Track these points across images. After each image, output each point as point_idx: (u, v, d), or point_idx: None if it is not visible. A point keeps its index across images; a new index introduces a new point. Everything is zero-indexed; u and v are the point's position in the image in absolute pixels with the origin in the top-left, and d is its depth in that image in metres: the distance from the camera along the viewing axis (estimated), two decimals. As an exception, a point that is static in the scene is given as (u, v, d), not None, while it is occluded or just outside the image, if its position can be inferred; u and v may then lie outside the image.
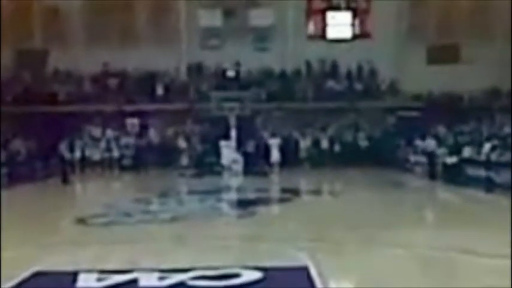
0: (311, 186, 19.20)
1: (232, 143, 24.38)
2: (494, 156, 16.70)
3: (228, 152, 23.80)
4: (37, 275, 7.18)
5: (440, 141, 21.36)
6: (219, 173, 22.60)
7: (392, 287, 6.56)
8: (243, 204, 14.59)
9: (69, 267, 7.47)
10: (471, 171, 17.51)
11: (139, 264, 7.54)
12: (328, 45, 26.64)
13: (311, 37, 25.96)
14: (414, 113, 26.45)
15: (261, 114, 27.45)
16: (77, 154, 25.03)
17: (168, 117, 27.59)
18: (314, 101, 27.78)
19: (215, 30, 28.55)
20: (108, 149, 25.99)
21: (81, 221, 11.71)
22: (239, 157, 23.69)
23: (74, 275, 7.00)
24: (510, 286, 6.04)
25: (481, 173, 16.69)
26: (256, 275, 6.94)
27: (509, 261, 6.99)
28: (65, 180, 20.27)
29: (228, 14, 28.34)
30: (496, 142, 17.59)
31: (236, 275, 6.91)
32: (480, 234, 9.48)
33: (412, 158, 22.42)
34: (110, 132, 26.79)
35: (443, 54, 28.36)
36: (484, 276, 6.96)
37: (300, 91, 28.44)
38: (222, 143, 24.10)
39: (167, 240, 9.74)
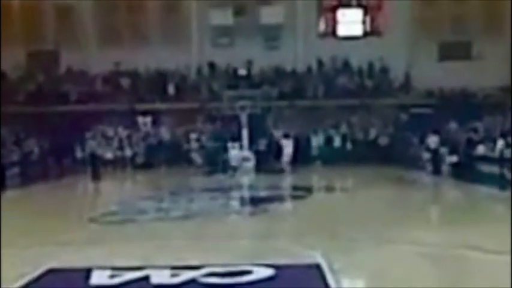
0: (323, 183, 19.17)
1: (244, 141, 24.34)
2: (507, 153, 16.57)
3: (236, 153, 23.70)
4: (50, 272, 7.23)
5: (452, 138, 21.26)
6: (231, 171, 22.59)
7: (404, 285, 6.54)
8: (255, 201, 14.59)
9: (82, 265, 7.51)
10: (484, 168, 17.40)
11: (152, 261, 7.56)
12: (339, 42, 26.60)
13: (322, 35, 25.93)
14: (427, 110, 26.30)
15: (273, 112, 27.41)
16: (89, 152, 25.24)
17: (180, 116, 27.64)
18: (326, 98, 27.73)
19: (226, 28, 28.59)
20: (121, 148, 26.11)
21: (94, 219, 11.77)
22: (250, 155, 23.67)
23: (87, 272, 7.04)
24: (510, 275, 5.99)
25: (495, 170, 16.57)
26: (268, 272, 6.93)
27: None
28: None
29: (238, 12, 28.35)
30: (509, 139, 17.45)
31: (248, 272, 6.92)
32: (492, 232, 9.42)
33: (425, 155, 22.27)
34: (122, 131, 26.90)
35: (455, 51, 28.23)
36: (494, 274, 6.93)
37: (311, 89, 28.39)
38: (230, 144, 24.00)
39: (179, 238, 9.77)
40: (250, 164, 23.18)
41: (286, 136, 25.28)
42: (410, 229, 10.01)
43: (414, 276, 7.00)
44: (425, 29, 28.58)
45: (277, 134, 26.33)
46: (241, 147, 24.01)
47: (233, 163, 23.19)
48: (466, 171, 18.32)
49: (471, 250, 8.05)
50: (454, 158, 18.97)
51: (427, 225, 10.70)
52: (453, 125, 23.78)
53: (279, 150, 24.89)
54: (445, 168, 20.07)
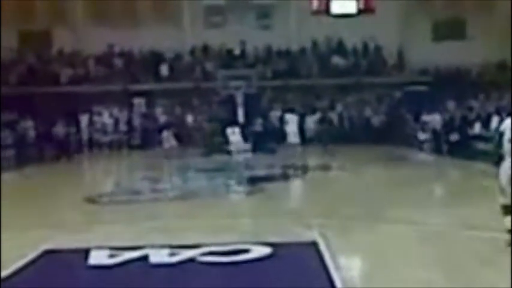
0: (319, 162, 19.14)
1: (240, 121, 24.05)
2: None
3: (236, 138, 23.18)
4: (47, 253, 7.24)
5: (448, 116, 21.28)
6: (227, 152, 22.51)
7: (401, 263, 6.59)
8: (251, 181, 14.59)
9: (79, 245, 7.52)
10: (479, 145, 17.43)
11: (150, 241, 7.58)
12: (333, 21, 26.45)
13: (315, 13, 25.76)
14: (421, 88, 26.26)
15: (268, 92, 27.34)
16: (85, 134, 25.19)
17: (175, 96, 27.53)
18: (320, 77, 27.64)
19: (218, 8, 28.40)
20: (115, 129, 26.00)
21: (91, 199, 11.77)
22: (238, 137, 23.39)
23: (85, 253, 7.05)
24: (510, 269, 6.06)
25: (490, 147, 16.58)
26: (266, 250, 6.98)
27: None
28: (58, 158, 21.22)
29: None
30: (504, 116, 17.46)
31: (245, 251, 6.95)
32: (491, 211, 9.45)
33: (420, 133, 22.31)
34: (116, 112, 26.76)
35: (449, 31, 28.15)
36: (487, 251, 6.99)
37: (305, 68, 28.30)
38: (229, 130, 23.58)
39: (177, 218, 9.79)
40: (247, 145, 22.98)
41: (290, 111, 23.47)
42: (407, 208, 10.05)
43: (411, 255, 7.05)
44: (420, 5, 28.42)
45: (273, 113, 26.20)
46: (243, 131, 23.39)
47: (232, 148, 22.82)
48: (462, 149, 18.36)
49: (469, 229, 8.07)
50: (455, 137, 18.97)
51: (424, 204, 10.72)
52: (448, 103, 23.73)
53: (275, 130, 24.64)
54: (439, 146, 20.17)
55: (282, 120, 23.97)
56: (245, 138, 22.71)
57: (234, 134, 22.83)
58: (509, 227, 6.95)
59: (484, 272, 6.23)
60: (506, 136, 7.22)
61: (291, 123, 21.93)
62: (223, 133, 23.40)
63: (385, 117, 26.71)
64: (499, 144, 7.27)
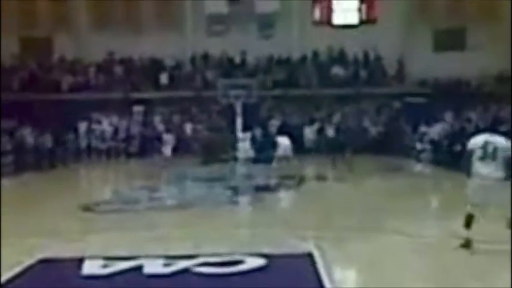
0: (317, 173, 19.15)
1: (239, 131, 24.07)
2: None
3: (245, 145, 23.08)
4: (42, 262, 7.23)
5: (447, 128, 21.31)
6: (226, 161, 22.52)
7: (396, 275, 6.58)
8: (249, 191, 14.58)
9: (75, 254, 7.50)
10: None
11: (145, 251, 7.56)
12: (334, 31, 26.51)
13: (317, 23, 25.82)
14: (421, 99, 26.26)
15: (267, 101, 27.33)
16: (83, 142, 25.20)
17: (174, 104, 27.56)
18: (320, 87, 27.64)
19: (220, 17, 28.42)
20: (114, 137, 26.01)
21: (87, 208, 11.75)
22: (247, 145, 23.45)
23: (79, 262, 7.04)
24: (510, 274, 6.06)
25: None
26: (260, 261, 6.97)
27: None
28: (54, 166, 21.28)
29: (233, 0, 28.17)
30: (503, 128, 17.46)
31: (240, 262, 6.94)
32: (488, 223, 9.43)
33: (419, 145, 22.33)
34: (115, 120, 26.78)
35: (450, 41, 28.17)
36: (482, 263, 6.98)
37: (305, 78, 28.30)
38: (240, 135, 23.38)
39: (173, 227, 9.77)
40: (249, 153, 22.96)
41: (281, 133, 23.06)
42: (403, 219, 10.03)
43: (407, 267, 7.04)
44: (420, 17, 28.47)
45: (272, 123, 26.16)
46: (253, 138, 23.31)
47: (240, 155, 22.70)
48: (459, 159, 18.33)
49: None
50: (458, 148, 19.02)
51: (420, 216, 10.70)
52: (446, 114, 23.74)
53: (273, 140, 24.65)
54: (438, 157, 20.17)
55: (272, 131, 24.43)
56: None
57: (244, 141, 22.80)
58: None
59: (478, 284, 6.23)
60: (476, 154, 7.57)
61: (282, 145, 21.13)
62: (223, 142, 23.47)
63: (383, 128, 26.70)
64: (469, 162, 7.62)
